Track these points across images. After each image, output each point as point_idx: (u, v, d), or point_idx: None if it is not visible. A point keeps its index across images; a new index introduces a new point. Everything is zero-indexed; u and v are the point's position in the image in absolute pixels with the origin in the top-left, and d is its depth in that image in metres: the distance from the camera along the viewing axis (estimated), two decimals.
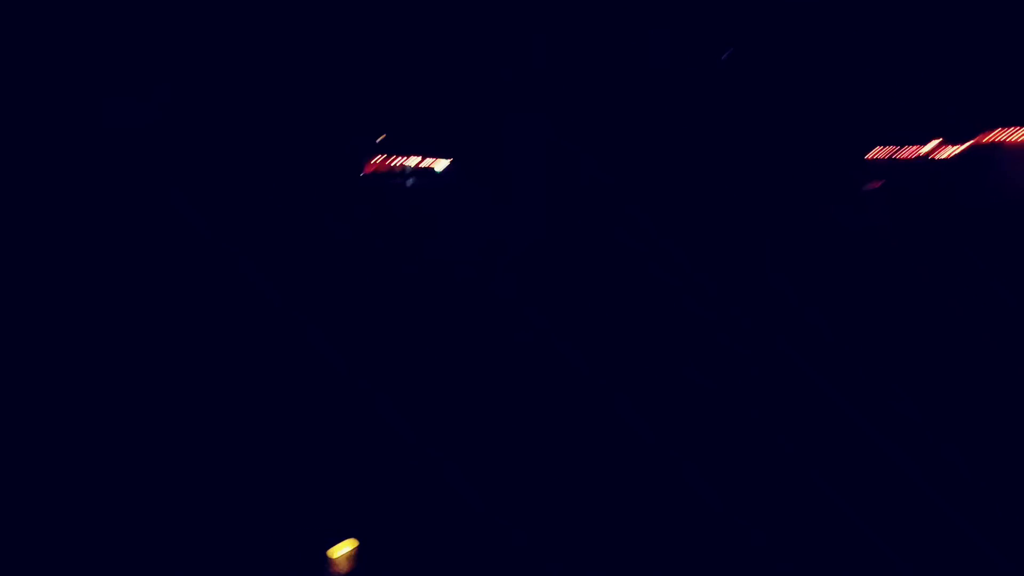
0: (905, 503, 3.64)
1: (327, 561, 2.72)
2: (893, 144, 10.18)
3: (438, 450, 4.05)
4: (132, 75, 7.48)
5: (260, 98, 8.60)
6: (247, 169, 8.39)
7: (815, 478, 3.86)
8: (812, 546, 3.31)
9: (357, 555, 2.85)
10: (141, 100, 7.43)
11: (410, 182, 16.22)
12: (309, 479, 3.75)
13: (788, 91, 9.87)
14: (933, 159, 9.84)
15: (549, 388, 5.26)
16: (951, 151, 9.88)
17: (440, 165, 16.55)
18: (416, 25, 10.31)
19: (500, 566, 3.03)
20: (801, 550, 3.24)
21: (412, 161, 16.42)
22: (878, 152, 10.20)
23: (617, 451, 4.32)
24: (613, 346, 6.20)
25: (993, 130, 9.17)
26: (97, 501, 3.52)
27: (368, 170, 14.02)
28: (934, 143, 10.04)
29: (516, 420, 4.78)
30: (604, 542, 3.30)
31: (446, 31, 10.77)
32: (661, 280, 7.83)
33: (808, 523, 3.50)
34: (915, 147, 10.04)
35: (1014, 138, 8.91)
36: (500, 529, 3.25)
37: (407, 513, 3.44)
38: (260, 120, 8.67)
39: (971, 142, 9.46)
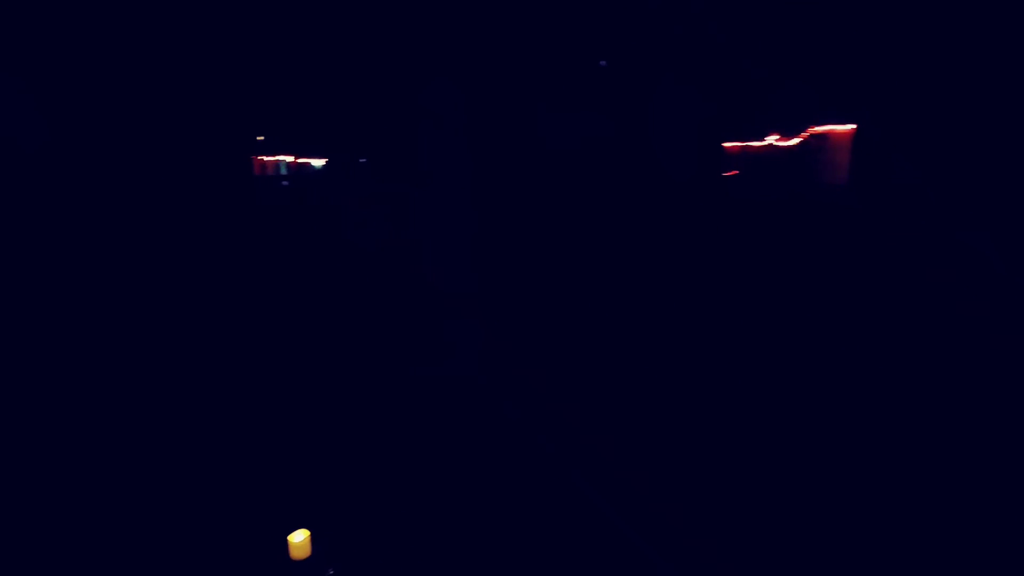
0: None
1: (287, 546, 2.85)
2: (745, 138, 11.71)
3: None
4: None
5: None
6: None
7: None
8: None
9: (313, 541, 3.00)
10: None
11: (286, 183, 16.37)
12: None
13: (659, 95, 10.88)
14: (775, 147, 11.55)
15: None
16: (787, 143, 11.63)
17: (317, 162, 17.07)
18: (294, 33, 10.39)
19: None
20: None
21: (289, 159, 16.33)
22: (734, 145, 11.69)
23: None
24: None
25: (819, 126, 10.98)
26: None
27: (256, 169, 14.18)
28: (774, 136, 11.74)
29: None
30: None
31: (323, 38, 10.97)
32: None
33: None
34: (761, 140, 11.68)
35: (836, 131, 10.75)
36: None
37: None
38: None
39: (803, 135, 11.25)
